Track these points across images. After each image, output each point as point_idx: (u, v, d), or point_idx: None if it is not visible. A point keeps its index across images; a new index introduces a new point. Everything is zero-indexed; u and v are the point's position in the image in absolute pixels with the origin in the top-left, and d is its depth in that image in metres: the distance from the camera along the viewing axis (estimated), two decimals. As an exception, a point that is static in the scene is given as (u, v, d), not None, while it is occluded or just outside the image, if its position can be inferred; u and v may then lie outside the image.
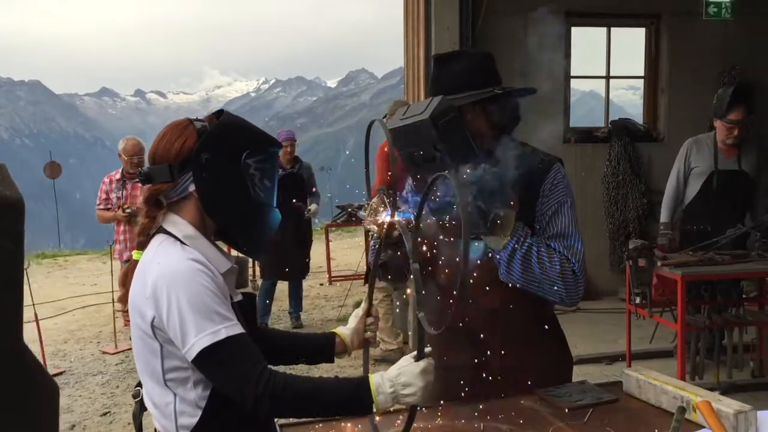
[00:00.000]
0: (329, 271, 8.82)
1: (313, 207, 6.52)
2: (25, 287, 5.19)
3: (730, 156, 4.68)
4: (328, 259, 8.89)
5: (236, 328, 1.44)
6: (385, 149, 6.19)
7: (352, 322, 1.87)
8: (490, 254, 1.90)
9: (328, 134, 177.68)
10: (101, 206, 5.92)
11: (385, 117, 6.67)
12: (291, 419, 1.68)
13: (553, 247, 1.89)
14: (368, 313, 1.87)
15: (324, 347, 1.82)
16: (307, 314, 7.13)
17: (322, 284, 8.69)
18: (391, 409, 1.56)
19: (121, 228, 5.92)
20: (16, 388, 0.96)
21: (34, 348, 5.55)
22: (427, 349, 1.50)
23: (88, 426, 4.46)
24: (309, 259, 6.72)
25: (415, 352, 1.50)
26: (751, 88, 4.80)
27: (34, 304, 5.83)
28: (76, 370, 5.63)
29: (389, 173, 6.10)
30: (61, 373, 5.39)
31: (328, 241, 9.04)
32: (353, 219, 8.55)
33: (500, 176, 1.78)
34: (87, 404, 4.84)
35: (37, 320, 5.69)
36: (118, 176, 5.93)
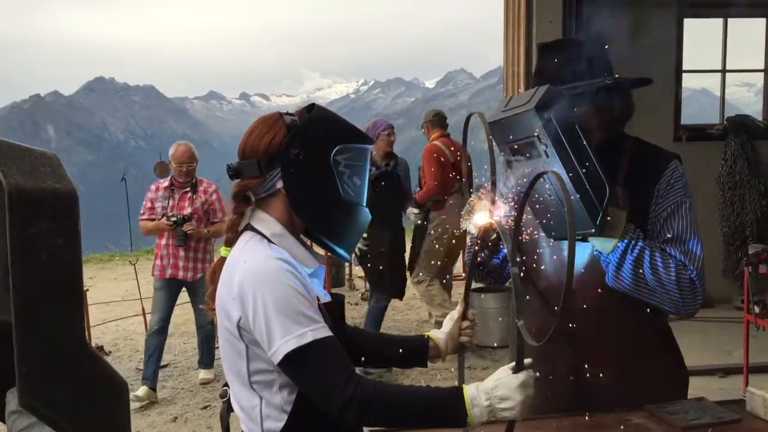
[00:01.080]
0: (425, 271, 8.73)
1: (414, 212, 5.77)
2: (135, 282, 5.36)
3: None
4: (425, 259, 8.81)
5: (323, 331, 1.38)
6: (434, 153, 6.02)
7: (447, 325, 1.78)
8: (596, 257, 1.76)
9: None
10: (144, 216, 5.07)
11: (422, 126, 6.49)
12: (380, 429, 1.61)
13: (669, 252, 1.73)
14: (464, 316, 1.77)
15: (417, 351, 1.75)
16: (403, 314, 7.09)
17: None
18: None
19: (163, 241, 5.03)
20: (88, 392, 0.93)
21: (141, 340, 5.78)
22: (527, 361, 1.39)
23: (189, 419, 4.58)
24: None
25: (513, 363, 1.39)
26: None
27: (141, 299, 6.09)
28: (179, 363, 5.81)
29: (453, 174, 5.89)
30: (165, 366, 5.57)
31: (424, 241, 8.96)
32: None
33: (611, 173, 1.64)
34: (188, 397, 4.97)
35: (144, 313, 5.93)
36: (166, 184, 5.13)
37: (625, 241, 1.69)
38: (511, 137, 1.70)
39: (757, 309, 4.22)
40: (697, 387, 4.55)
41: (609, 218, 1.65)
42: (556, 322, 1.26)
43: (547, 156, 1.62)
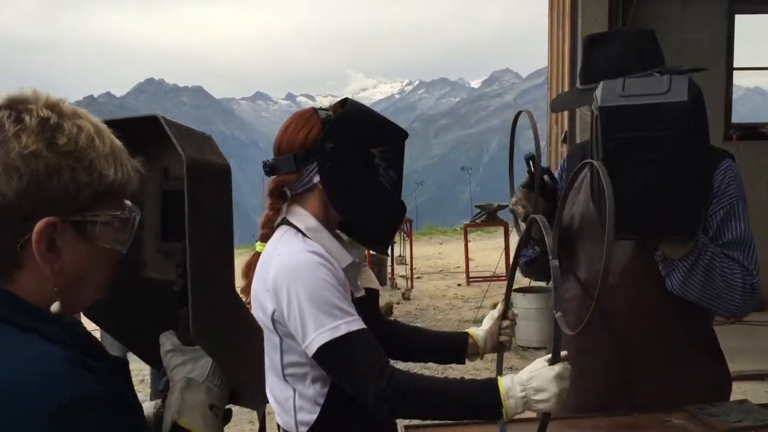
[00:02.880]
0: (467, 271, 8.70)
1: None
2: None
3: None
4: (467, 259, 8.78)
5: (357, 324, 1.39)
6: None
7: (487, 323, 1.76)
8: (654, 259, 1.72)
9: (470, 135, 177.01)
10: None
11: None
12: (415, 421, 1.61)
13: (732, 256, 1.67)
14: (504, 315, 1.76)
15: (456, 347, 1.73)
16: (444, 314, 7.07)
17: (459, 285, 8.60)
18: (521, 415, 1.44)
19: None
20: (237, 332, 1.09)
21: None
22: (563, 353, 1.37)
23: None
24: None
25: (549, 355, 1.37)
26: None
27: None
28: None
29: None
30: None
31: (466, 241, 8.93)
32: (493, 219, 8.39)
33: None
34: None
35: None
36: None
37: (697, 247, 1.63)
38: (633, 128, 1.55)
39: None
40: (744, 392, 4.45)
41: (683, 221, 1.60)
42: (591, 312, 1.24)
43: (672, 156, 1.52)
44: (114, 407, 0.78)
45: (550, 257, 1.34)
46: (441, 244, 12.35)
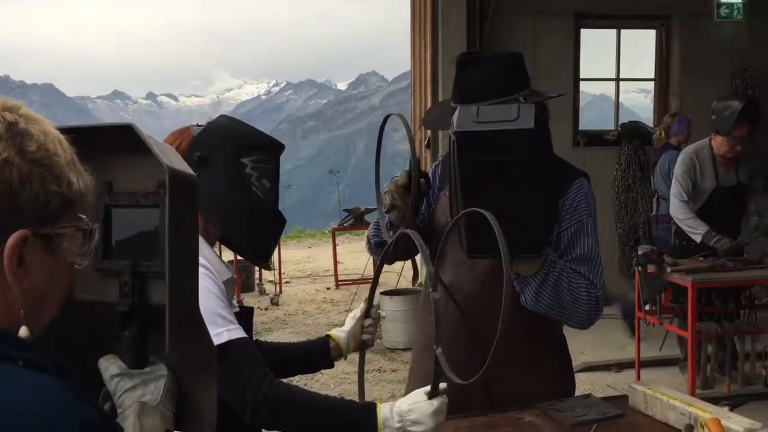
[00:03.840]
0: (336, 275, 8.77)
1: None
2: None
3: (728, 168, 4.53)
4: (335, 263, 8.85)
5: (239, 332, 1.39)
6: None
7: (349, 323, 1.80)
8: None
9: (338, 137, 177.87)
10: None
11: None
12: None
13: (578, 270, 1.81)
14: (367, 314, 1.81)
15: (318, 353, 1.76)
16: (314, 318, 7.09)
17: (329, 288, 8.65)
18: None
19: None
20: (203, 351, 1.03)
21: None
22: (442, 386, 1.41)
23: None
24: None
25: (429, 388, 1.40)
26: (757, 103, 4.64)
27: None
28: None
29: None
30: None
31: (335, 244, 8.99)
32: (360, 222, 8.50)
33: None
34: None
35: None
36: None
37: (547, 264, 1.74)
38: (484, 152, 1.65)
39: (647, 307, 4.47)
40: (593, 382, 4.79)
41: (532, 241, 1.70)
42: (484, 368, 1.29)
43: (521, 177, 1.61)
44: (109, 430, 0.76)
45: (431, 290, 1.37)
46: (310, 247, 12.36)
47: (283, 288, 8.34)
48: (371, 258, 7.19)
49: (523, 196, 1.64)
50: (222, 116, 1.54)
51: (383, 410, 1.38)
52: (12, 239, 0.75)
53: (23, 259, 0.77)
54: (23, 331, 0.79)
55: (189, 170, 0.97)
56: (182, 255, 0.94)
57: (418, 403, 1.38)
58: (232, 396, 1.37)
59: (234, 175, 1.46)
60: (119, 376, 0.95)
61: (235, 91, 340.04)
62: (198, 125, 1.52)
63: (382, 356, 5.67)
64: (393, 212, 1.82)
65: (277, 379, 1.39)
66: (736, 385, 4.40)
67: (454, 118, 1.68)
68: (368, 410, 1.39)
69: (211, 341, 1.03)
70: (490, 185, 1.64)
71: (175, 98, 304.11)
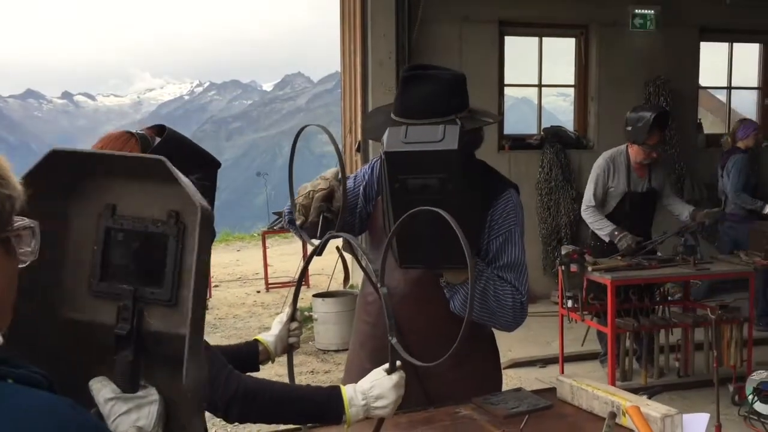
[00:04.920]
0: (266, 278, 8.73)
1: None
2: None
3: (641, 174, 4.86)
4: (266, 266, 8.81)
5: None
6: None
7: (276, 328, 1.85)
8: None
9: (264, 138, 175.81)
10: None
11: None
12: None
13: (504, 277, 1.91)
14: (292, 317, 1.86)
15: (247, 357, 1.80)
16: (244, 322, 7.05)
17: (259, 291, 8.60)
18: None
19: None
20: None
21: None
22: (398, 363, 1.51)
23: None
24: None
25: (387, 366, 1.50)
26: (667, 113, 5.03)
27: None
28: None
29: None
30: None
31: (265, 247, 8.95)
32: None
33: (467, 205, 1.75)
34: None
35: None
36: None
37: (474, 273, 1.84)
38: (415, 170, 1.72)
39: (570, 303, 4.68)
40: (520, 377, 4.95)
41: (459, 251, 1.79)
42: (451, 350, 1.40)
43: (448, 195, 1.69)
44: None
45: (379, 285, 1.45)
46: (239, 251, 12.22)
47: (212, 292, 8.25)
48: (301, 261, 7.15)
49: (449, 213, 1.72)
50: (169, 130, 1.55)
51: (347, 391, 1.47)
52: None
53: None
54: None
55: (206, 203, 0.99)
56: (203, 287, 0.97)
57: (378, 379, 1.48)
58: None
59: None
60: (113, 399, 0.97)
61: (157, 91, 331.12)
62: (140, 132, 1.53)
63: (315, 358, 5.71)
64: (305, 220, 1.86)
65: (242, 374, 1.44)
66: (652, 377, 4.66)
67: (384, 137, 1.76)
68: (334, 393, 1.47)
69: (206, 364, 1.06)
70: (419, 202, 1.68)
71: (92, 97, 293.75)
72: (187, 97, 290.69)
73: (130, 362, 0.99)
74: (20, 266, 0.87)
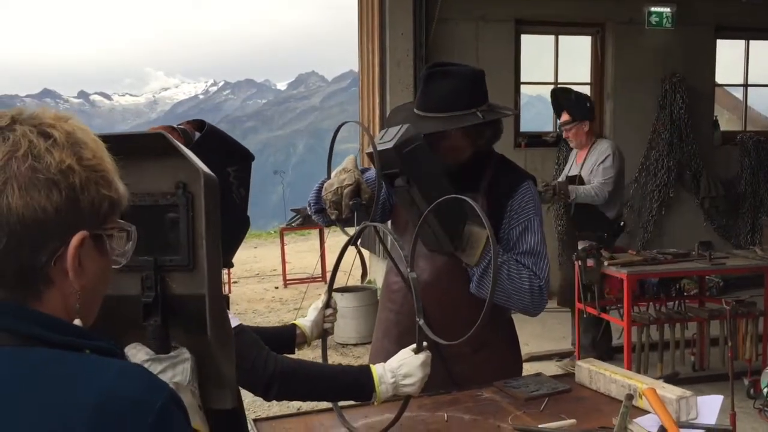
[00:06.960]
0: (284, 274, 8.84)
1: None
2: None
3: (579, 159, 5.11)
4: (284, 262, 8.92)
5: (235, 320, 1.52)
6: None
7: (312, 314, 1.95)
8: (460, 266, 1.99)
9: (278, 137, 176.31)
10: None
11: None
12: (262, 414, 1.76)
13: (523, 262, 2.00)
14: (327, 304, 1.96)
15: (286, 339, 1.91)
16: (264, 317, 7.16)
17: (277, 287, 8.71)
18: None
19: None
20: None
21: None
22: (424, 344, 1.61)
23: None
24: None
25: (414, 346, 1.61)
26: (566, 91, 5.23)
27: None
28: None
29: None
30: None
31: (283, 244, 9.06)
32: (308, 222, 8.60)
33: (475, 186, 1.89)
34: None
35: None
36: None
37: (488, 255, 1.91)
38: (385, 167, 1.86)
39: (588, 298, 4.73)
40: (537, 370, 5.00)
41: (471, 235, 1.89)
42: (477, 325, 1.52)
43: (411, 187, 1.82)
44: (182, 403, 0.85)
45: (408, 270, 1.56)
46: (256, 247, 12.35)
47: (231, 288, 8.37)
48: (318, 258, 7.26)
49: (436, 200, 1.79)
50: (209, 124, 1.64)
51: (377, 369, 1.58)
52: (75, 240, 0.85)
53: (80, 257, 0.86)
54: (77, 323, 0.88)
55: (209, 171, 1.07)
56: (215, 248, 1.06)
57: (406, 358, 1.59)
58: (242, 378, 1.50)
59: (221, 182, 1.59)
60: (149, 361, 1.05)
61: (171, 91, 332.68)
62: (180, 126, 1.61)
63: (333, 351, 5.80)
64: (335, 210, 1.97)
65: (278, 355, 1.53)
66: (667, 370, 4.70)
67: (377, 137, 1.90)
68: (365, 371, 1.58)
69: (228, 319, 1.15)
70: (405, 193, 1.86)
71: (108, 97, 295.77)
72: (201, 96, 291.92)
73: (159, 326, 1.08)
74: (114, 267, 0.94)
